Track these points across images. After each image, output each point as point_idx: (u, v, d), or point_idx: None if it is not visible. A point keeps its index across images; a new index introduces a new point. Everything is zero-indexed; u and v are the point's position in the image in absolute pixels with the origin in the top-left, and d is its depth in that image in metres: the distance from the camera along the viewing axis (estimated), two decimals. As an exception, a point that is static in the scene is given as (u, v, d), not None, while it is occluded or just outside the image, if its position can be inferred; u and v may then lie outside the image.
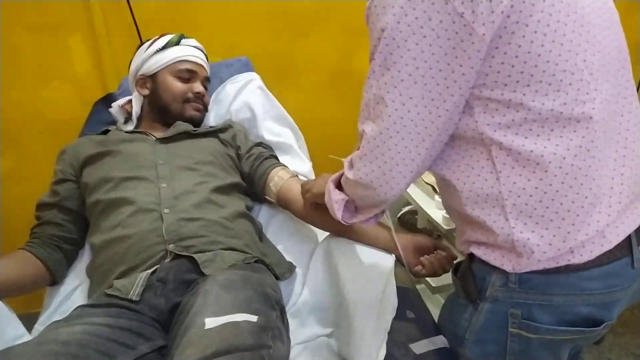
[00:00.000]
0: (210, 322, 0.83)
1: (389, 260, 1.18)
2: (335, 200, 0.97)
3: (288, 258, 1.33)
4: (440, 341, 0.95)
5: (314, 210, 1.22)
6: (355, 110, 2.33)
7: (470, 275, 0.85)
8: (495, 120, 0.75)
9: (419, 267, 1.18)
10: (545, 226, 0.75)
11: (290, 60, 1.91)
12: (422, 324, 1.00)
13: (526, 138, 0.73)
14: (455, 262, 1.20)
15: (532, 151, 0.73)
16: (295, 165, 1.50)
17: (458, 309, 0.90)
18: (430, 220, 1.46)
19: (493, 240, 0.79)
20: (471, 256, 0.86)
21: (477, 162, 0.78)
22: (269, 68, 1.75)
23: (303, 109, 1.64)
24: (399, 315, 1.00)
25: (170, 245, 1.10)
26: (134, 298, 1.00)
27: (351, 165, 0.91)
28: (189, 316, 0.88)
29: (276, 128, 1.58)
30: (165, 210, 1.15)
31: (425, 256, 1.20)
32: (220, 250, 1.11)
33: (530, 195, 0.74)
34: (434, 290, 1.32)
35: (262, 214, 1.45)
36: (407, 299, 1.07)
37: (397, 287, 1.07)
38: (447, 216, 1.40)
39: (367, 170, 0.84)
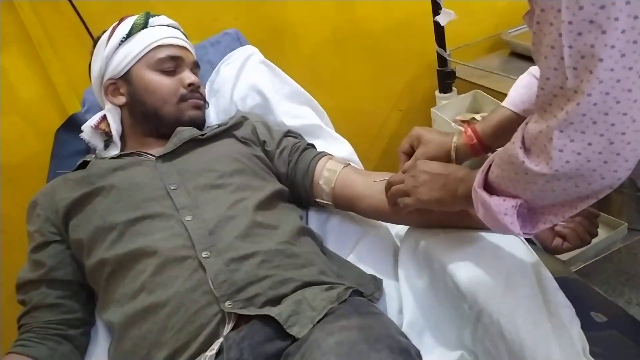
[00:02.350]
0: None
1: (518, 243, 0.86)
2: (504, 212, 0.64)
3: (365, 270, 1.00)
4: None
5: (413, 215, 0.90)
6: (369, 69, 1.95)
7: None
8: None
9: (558, 241, 0.87)
10: None
11: (283, 23, 1.58)
12: (625, 328, 0.69)
13: None
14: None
15: None
16: (333, 149, 1.16)
17: None
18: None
19: None
20: None
21: None
22: (260, 38, 1.42)
23: (309, 78, 1.33)
24: (583, 324, 0.69)
25: (227, 303, 0.76)
26: (203, 401, 0.66)
27: (527, 150, 0.58)
28: None
29: (294, 109, 1.24)
30: (204, 254, 0.81)
31: (560, 223, 0.89)
32: (299, 292, 0.78)
33: None
34: (565, 265, 1.01)
35: (312, 221, 1.11)
36: (579, 294, 0.75)
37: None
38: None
39: (578, 146, 0.52)
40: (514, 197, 0.63)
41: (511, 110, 0.89)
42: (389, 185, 0.89)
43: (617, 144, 0.51)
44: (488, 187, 0.66)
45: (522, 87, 0.90)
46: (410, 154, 0.95)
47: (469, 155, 0.93)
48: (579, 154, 0.52)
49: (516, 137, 0.59)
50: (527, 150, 0.58)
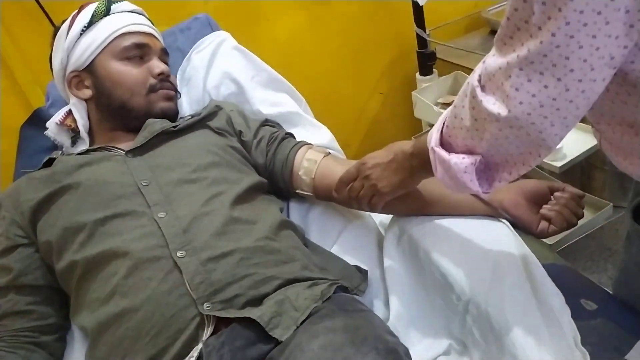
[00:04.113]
0: None
1: (504, 229, 0.84)
2: (464, 170, 0.63)
3: (349, 262, 0.97)
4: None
5: (391, 205, 0.88)
6: (346, 52, 1.89)
7: None
8: None
9: (544, 224, 0.85)
10: None
11: (256, 7, 1.52)
12: (615, 315, 0.68)
13: None
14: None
15: None
16: (313, 137, 1.13)
17: None
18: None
19: None
20: None
21: None
22: (232, 23, 1.36)
23: (285, 63, 1.28)
24: (574, 312, 0.67)
25: (205, 305, 0.72)
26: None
27: (483, 87, 0.57)
28: None
29: (271, 96, 1.19)
30: (179, 254, 0.77)
31: (545, 206, 0.87)
32: (281, 291, 0.75)
33: None
34: (551, 249, 1.00)
35: (293, 212, 1.08)
36: (568, 281, 0.74)
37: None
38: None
39: (534, 88, 0.51)
40: (471, 153, 0.62)
41: None
42: (352, 193, 0.87)
43: (572, 91, 0.50)
44: (444, 146, 0.66)
45: None
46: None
47: None
48: (534, 95, 0.52)
49: (473, 74, 0.59)
50: (482, 87, 0.57)
